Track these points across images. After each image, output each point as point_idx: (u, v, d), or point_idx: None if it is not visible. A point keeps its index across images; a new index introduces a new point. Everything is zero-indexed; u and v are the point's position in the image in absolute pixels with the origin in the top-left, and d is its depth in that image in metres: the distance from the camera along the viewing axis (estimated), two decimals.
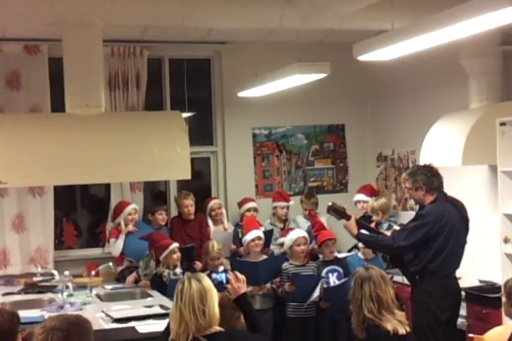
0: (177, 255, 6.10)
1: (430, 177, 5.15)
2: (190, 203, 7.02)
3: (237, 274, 3.93)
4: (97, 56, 5.61)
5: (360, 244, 6.12)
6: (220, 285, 4.14)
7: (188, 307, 3.50)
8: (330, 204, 5.44)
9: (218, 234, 6.91)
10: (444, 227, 5.03)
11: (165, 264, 6.04)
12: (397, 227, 5.51)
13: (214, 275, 5.73)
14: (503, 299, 3.96)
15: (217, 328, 3.55)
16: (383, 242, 5.25)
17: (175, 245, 6.14)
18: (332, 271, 6.02)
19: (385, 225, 6.76)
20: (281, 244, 6.62)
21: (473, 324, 5.46)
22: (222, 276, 5.73)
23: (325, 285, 5.87)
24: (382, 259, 5.78)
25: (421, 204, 5.23)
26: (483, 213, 6.17)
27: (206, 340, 3.48)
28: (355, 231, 5.28)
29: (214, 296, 3.59)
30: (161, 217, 6.97)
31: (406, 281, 5.48)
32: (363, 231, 5.33)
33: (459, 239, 5.14)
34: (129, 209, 6.84)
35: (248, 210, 7.23)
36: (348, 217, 5.34)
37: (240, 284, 3.87)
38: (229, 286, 3.90)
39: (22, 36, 6.76)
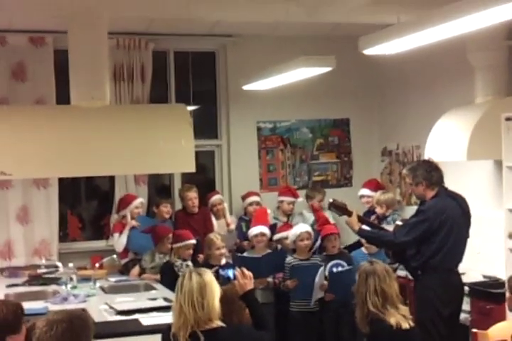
0: (189, 252, 6.11)
1: (430, 172, 5.15)
2: (193, 196, 7.01)
3: (244, 270, 3.92)
4: (103, 48, 5.60)
5: (363, 239, 6.11)
6: (227, 281, 4.13)
7: (186, 299, 3.52)
8: (331, 200, 5.45)
9: (222, 230, 6.91)
10: (445, 222, 5.03)
11: (176, 254, 6.06)
12: (399, 222, 5.50)
13: (221, 272, 5.75)
14: (507, 294, 3.96)
15: (218, 323, 3.55)
16: (385, 238, 5.25)
17: (193, 241, 6.15)
18: (336, 266, 6.02)
19: (390, 219, 6.75)
20: (278, 240, 6.59)
21: (476, 319, 5.45)
22: (229, 273, 5.75)
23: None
24: (385, 254, 5.78)
25: (422, 199, 5.23)
26: (487, 208, 6.15)
27: (205, 335, 3.48)
28: (356, 227, 5.29)
29: (214, 290, 3.59)
30: (165, 209, 6.96)
31: (410, 276, 5.49)
32: (365, 227, 5.33)
33: (460, 234, 5.14)
34: (136, 202, 6.83)
35: (251, 204, 7.22)
36: (349, 213, 5.34)
37: (247, 281, 3.86)
38: (236, 282, 3.89)
39: (27, 28, 6.75)
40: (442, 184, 5.19)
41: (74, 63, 5.56)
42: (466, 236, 5.21)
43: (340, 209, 5.42)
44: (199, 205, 7.06)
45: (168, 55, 7.53)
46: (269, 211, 6.80)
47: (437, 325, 4.98)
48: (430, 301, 5.00)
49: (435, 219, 5.02)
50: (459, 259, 5.17)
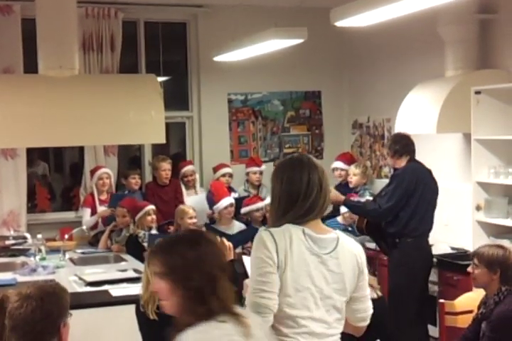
0: (151, 217, 6.10)
1: (395, 143, 5.41)
2: (167, 167, 6.98)
3: (224, 241, 3.88)
4: (71, 17, 5.52)
5: (343, 210, 6.18)
6: None
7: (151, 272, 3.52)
8: None
9: (193, 201, 6.90)
10: (419, 184, 5.22)
11: (140, 226, 6.05)
12: (369, 198, 5.58)
13: None
14: (470, 269, 4.03)
15: None
16: (370, 207, 5.38)
17: (150, 207, 6.14)
18: None
19: (367, 193, 6.77)
20: (248, 213, 6.53)
21: (444, 290, 5.52)
22: None
23: None
24: (356, 229, 5.78)
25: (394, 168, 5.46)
26: (456, 181, 6.21)
27: None
28: (342, 197, 5.40)
29: None
30: (134, 181, 6.92)
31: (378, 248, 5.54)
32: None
33: (432, 199, 5.32)
34: (99, 173, 6.74)
35: (223, 175, 7.21)
36: None
37: (226, 252, 3.83)
38: None
39: None
40: (411, 155, 5.36)
41: (42, 32, 5.47)
42: (436, 203, 5.36)
43: None
44: (170, 177, 7.04)
45: (138, 24, 7.45)
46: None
47: (413, 291, 5.13)
48: (407, 266, 5.11)
49: (411, 180, 5.22)
50: (431, 225, 5.32)
